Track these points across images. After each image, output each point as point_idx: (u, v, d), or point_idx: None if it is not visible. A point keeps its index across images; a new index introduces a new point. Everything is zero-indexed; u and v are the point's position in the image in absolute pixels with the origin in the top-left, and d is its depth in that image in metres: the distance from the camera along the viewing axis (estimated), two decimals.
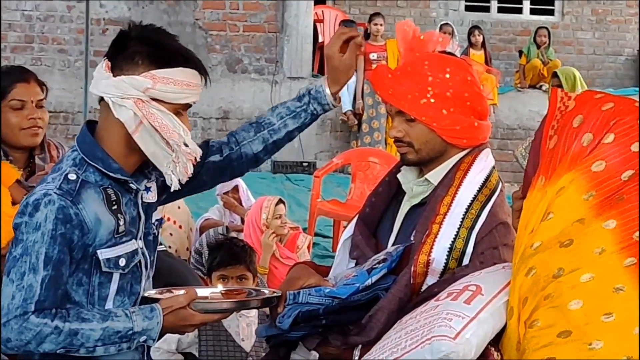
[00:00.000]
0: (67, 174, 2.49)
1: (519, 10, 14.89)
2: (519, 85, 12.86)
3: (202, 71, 2.58)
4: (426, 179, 2.73)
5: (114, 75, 2.50)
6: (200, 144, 2.72)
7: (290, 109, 2.79)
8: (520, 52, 13.29)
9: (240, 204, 6.95)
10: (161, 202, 2.78)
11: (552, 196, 2.19)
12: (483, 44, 12.75)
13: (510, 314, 2.21)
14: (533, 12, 14.90)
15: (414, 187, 2.76)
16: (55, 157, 3.48)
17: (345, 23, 12.30)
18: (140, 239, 2.62)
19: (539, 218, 2.20)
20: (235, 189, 6.92)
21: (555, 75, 8.33)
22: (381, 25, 11.75)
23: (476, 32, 12.74)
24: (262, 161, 2.87)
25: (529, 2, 14.87)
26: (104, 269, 2.50)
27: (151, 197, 2.68)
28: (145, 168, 2.63)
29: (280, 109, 2.81)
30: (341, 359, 2.62)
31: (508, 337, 2.22)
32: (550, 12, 14.94)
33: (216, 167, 2.80)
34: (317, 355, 2.74)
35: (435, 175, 2.72)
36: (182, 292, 2.60)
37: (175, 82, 2.49)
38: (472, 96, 2.69)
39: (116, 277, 2.53)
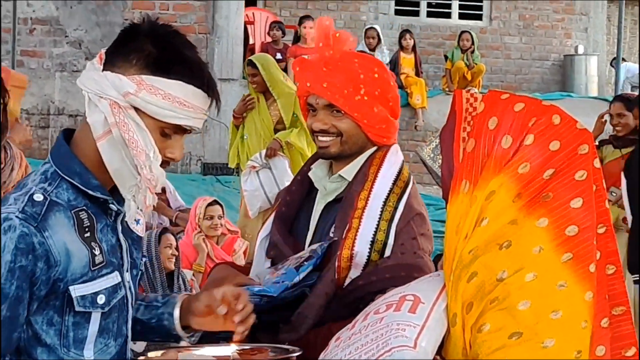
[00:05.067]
0: (32, 194, 2.03)
1: (448, 15, 15.08)
2: (446, 89, 13.01)
3: (212, 95, 2.14)
4: (340, 175, 2.76)
5: (103, 70, 2.09)
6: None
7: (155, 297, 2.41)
8: (446, 57, 13.44)
9: (169, 205, 6.91)
10: None
11: (483, 201, 2.20)
12: (414, 48, 12.87)
13: (454, 321, 2.20)
14: (462, 16, 15.09)
15: (328, 184, 2.79)
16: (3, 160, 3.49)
17: (274, 25, 12.34)
18: (127, 271, 2.20)
19: (472, 223, 2.21)
20: (162, 190, 6.88)
21: None
22: (311, 28, 11.77)
23: (407, 35, 12.85)
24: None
25: (457, 6, 15.05)
26: (78, 308, 2.06)
27: (140, 230, 2.27)
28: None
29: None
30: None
31: (453, 343, 2.21)
32: (479, 17, 15.14)
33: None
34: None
35: (349, 171, 2.75)
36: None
37: (166, 95, 2.05)
38: (394, 97, 2.79)
39: (96, 316, 2.10)
